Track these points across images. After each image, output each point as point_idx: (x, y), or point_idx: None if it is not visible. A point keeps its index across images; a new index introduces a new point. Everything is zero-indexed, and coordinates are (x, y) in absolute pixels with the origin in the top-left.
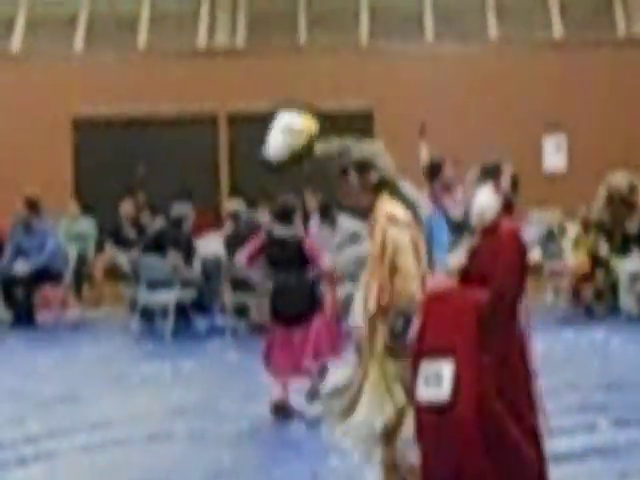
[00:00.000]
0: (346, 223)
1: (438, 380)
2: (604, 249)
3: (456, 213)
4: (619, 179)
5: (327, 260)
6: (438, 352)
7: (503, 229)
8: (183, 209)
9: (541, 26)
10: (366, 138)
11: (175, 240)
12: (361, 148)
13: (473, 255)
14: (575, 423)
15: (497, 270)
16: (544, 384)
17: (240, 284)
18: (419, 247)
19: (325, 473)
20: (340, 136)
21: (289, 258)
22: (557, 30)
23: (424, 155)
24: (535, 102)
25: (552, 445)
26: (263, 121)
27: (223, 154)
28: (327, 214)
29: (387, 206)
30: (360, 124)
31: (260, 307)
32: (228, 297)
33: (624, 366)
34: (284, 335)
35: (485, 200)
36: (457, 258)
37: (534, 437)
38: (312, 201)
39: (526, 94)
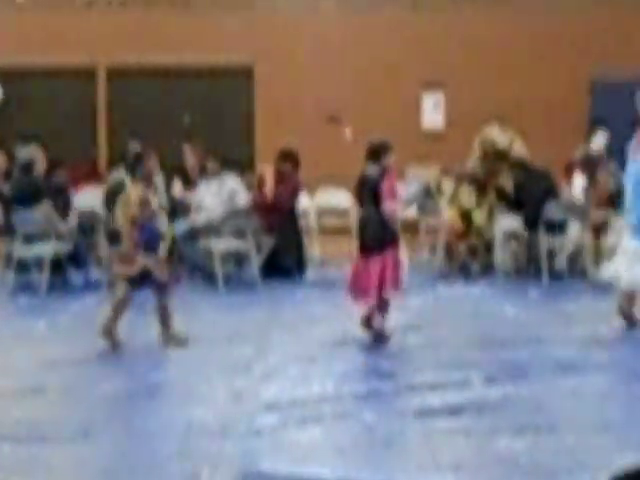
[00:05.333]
0: (230, 181)
1: None
2: (466, 200)
3: None
4: (494, 133)
5: (389, 204)
6: None
7: None
8: (29, 152)
9: None
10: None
11: (35, 191)
12: None
13: None
14: (448, 379)
15: None
16: (418, 340)
17: (116, 238)
18: None
19: (198, 426)
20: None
21: (367, 194)
22: None
23: None
24: (414, 60)
25: (425, 400)
26: (143, 75)
27: (101, 107)
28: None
29: None
30: (241, 78)
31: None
32: (104, 251)
33: (497, 323)
34: (364, 264)
35: None
36: None
37: None
38: (191, 156)
39: (405, 51)
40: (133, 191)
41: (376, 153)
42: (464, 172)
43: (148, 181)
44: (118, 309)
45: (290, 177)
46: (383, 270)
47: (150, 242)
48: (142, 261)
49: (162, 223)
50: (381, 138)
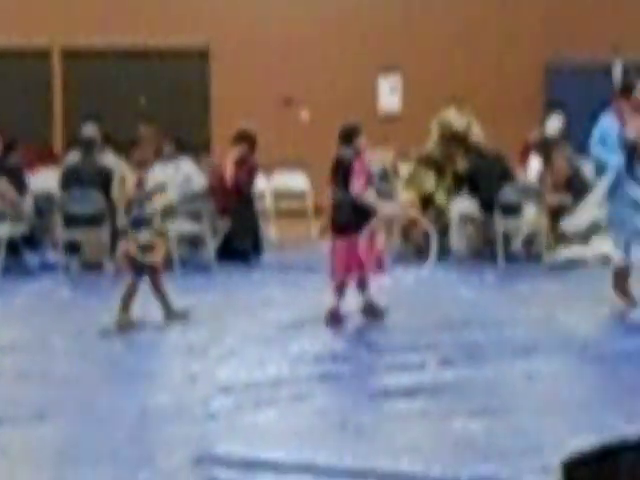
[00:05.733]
0: (185, 165)
1: None
2: (430, 184)
3: (631, 135)
4: (452, 116)
5: (357, 185)
6: None
7: None
8: None
9: None
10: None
11: None
12: None
13: None
14: (404, 361)
15: None
16: (374, 322)
17: (72, 220)
18: None
19: (153, 409)
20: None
21: (342, 175)
22: None
23: (617, 73)
24: (371, 43)
25: (381, 382)
26: (98, 56)
27: (56, 89)
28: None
29: None
30: (196, 61)
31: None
32: (60, 233)
33: (452, 306)
34: (337, 244)
35: None
36: None
37: None
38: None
39: (362, 35)
40: (129, 173)
41: (348, 136)
42: (423, 155)
43: (142, 164)
44: (128, 293)
45: (247, 159)
46: (356, 250)
47: (135, 222)
48: (133, 237)
49: (149, 207)
50: (352, 121)
